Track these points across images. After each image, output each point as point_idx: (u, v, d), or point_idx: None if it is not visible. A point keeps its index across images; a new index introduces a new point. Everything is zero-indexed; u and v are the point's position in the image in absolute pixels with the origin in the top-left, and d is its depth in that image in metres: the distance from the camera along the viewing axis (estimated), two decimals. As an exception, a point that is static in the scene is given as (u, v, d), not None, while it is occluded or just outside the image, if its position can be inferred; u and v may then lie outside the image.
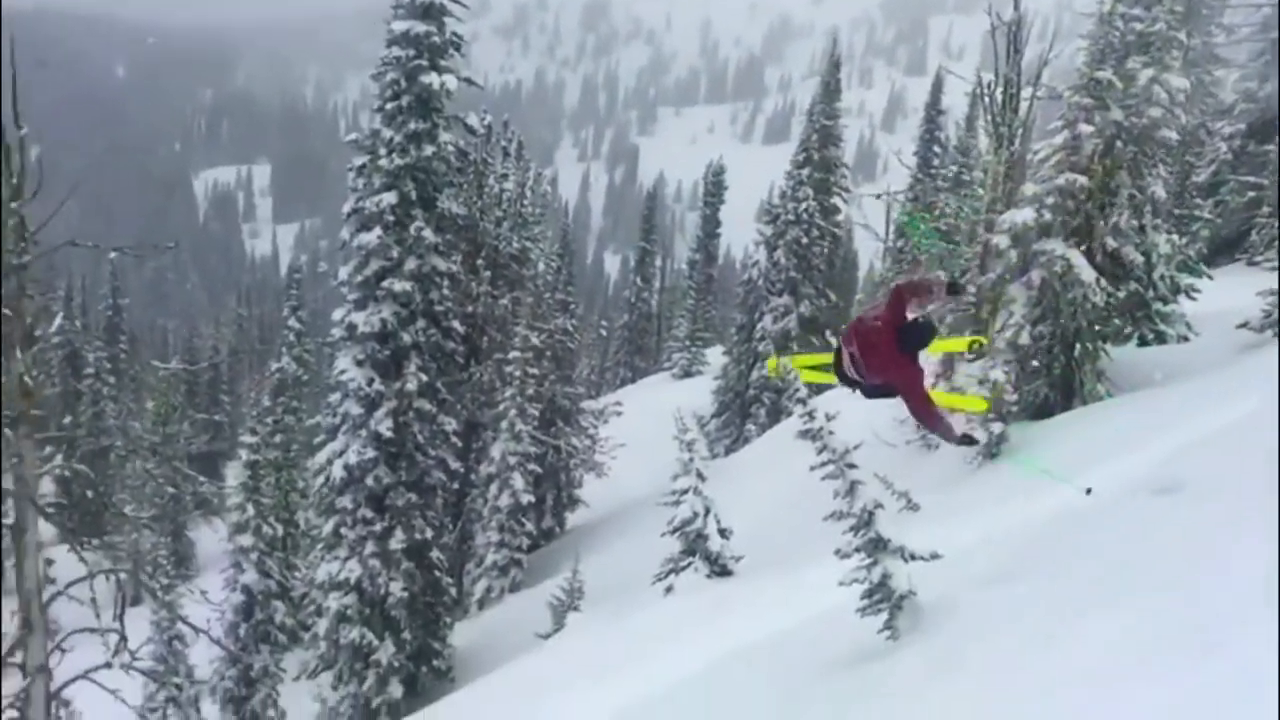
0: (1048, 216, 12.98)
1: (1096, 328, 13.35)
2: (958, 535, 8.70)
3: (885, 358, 6.42)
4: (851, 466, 6.88)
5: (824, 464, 6.95)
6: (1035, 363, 13.46)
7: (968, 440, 7.00)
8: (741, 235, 63.65)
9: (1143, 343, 14.62)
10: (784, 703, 6.74)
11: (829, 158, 31.56)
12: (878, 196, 25.61)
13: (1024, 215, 13.05)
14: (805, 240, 30.07)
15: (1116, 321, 14.03)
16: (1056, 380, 13.74)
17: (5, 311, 14.24)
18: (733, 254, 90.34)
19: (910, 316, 6.35)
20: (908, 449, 15.23)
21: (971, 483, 12.85)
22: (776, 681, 7.23)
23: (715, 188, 48.16)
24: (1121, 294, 13.57)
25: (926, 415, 6.73)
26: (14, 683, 16.63)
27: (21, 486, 15.28)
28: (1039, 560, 7.22)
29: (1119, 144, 13.26)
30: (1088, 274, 12.74)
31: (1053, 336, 13.48)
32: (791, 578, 10.70)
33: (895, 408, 15.53)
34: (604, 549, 22.87)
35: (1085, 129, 12.96)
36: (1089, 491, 7.31)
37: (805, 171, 30.99)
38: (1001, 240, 13.30)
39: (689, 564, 13.48)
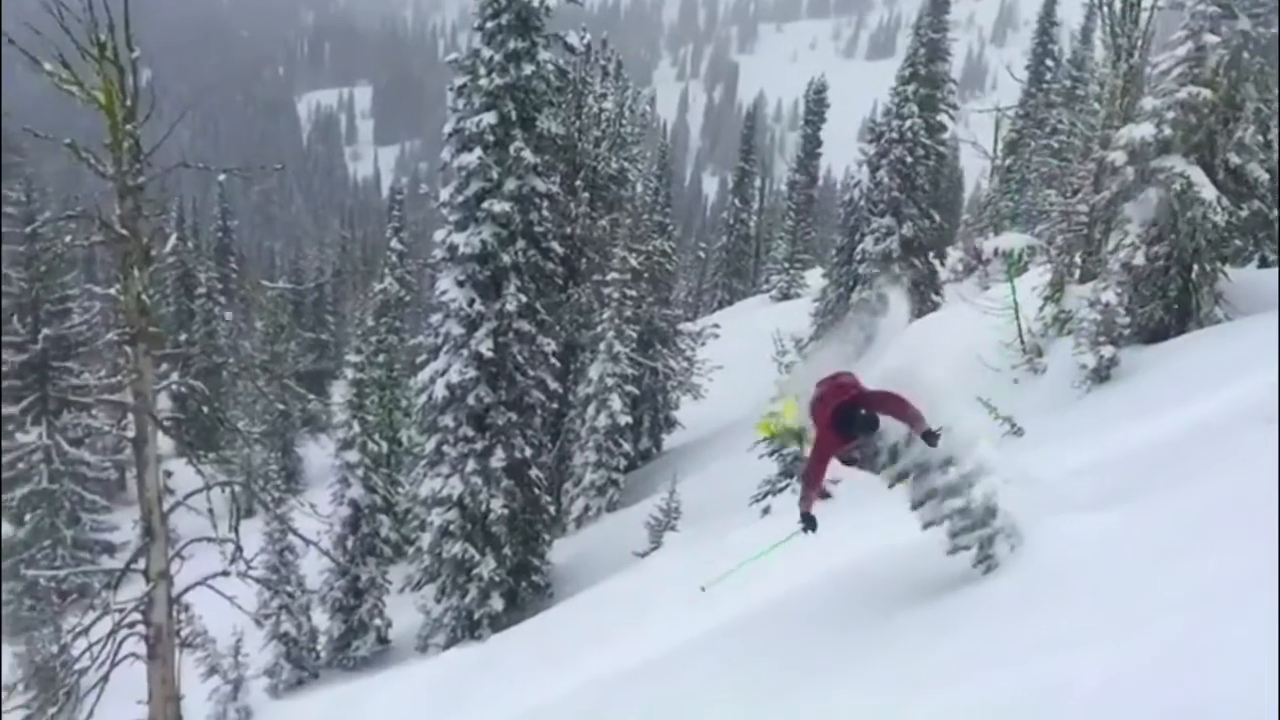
0: (1167, 132, 12.43)
1: (1216, 248, 12.81)
2: (1063, 460, 8.50)
3: (823, 413, 6.55)
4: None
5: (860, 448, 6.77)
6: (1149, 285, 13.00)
7: (807, 519, 6.80)
8: (843, 155, 62.40)
9: (1264, 264, 14.00)
10: (880, 625, 6.70)
11: (936, 73, 30.57)
12: (987, 112, 24.81)
13: (1142, 131, 12.51)
14: (909, 159, 29.31)
15: (1237, 242, 13.45)
16: (1172, 303, 13.26)
17: (123, 231, 14.66)
18: (833, 175, 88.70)
19: (873, 414, 6.36)
20: (1013, 373, 14.89)
21: (1078, 408, 12.54)
22: (872, 604, 7.18)
23: (817, 106, 47.17)
24: (1243, 213, 12.96)
25: (806, 475, 6.88)
26: (138, 587, 17.47)
27: (141, 401, 15.87)
28: (1147, 485, 7.01)
29: (1246, 55, 12.57)
30: (1208, 192, 12.19)
31: (1169, 257, 12.98)
32: (889, 500, 10.61)
33: (1001, 331, 15.23)
34: (700, 470, 23.00)
35: (1210, 39, 12.31)
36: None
37: (911, 88, 30.10)
38: (1118, 157, 12.79)
39: (786, 485, 13.48)
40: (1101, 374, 12.52)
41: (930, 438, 6.25)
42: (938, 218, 30.50)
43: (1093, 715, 4.02)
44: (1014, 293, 15.19)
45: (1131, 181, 12.91)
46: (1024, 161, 30.63)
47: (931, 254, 30.30)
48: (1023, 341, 15.13)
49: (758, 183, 57.32)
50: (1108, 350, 12.38)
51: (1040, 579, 6.00)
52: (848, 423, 6.33)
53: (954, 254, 34.28)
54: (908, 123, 29.35)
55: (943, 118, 30.80)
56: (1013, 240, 16.73)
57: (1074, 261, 15.97)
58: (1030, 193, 27.95)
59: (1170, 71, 12.75)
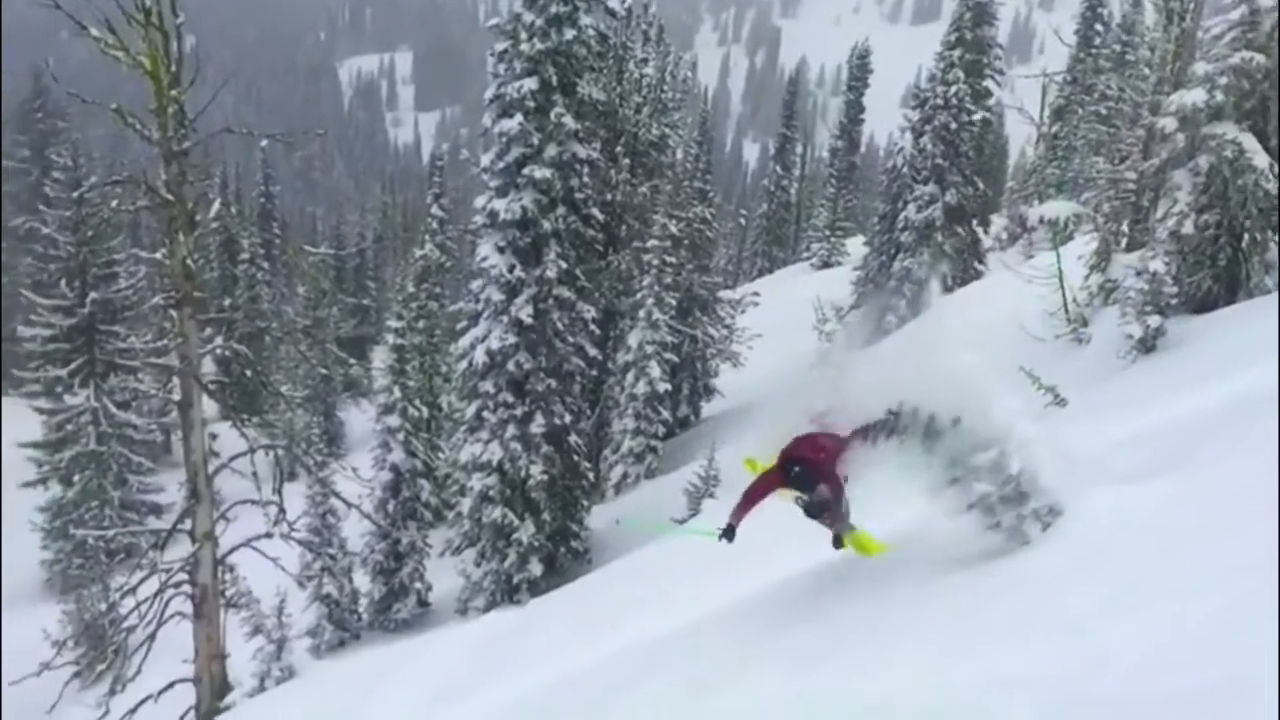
0: (1219, 97, 12.15)
1: (1267, 217, 12.56)
2: (1107, 431, 8.39)
3: (785, 453, 7.07)
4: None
5: (889, 432, 6.71)
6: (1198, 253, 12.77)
7: (728, 531, 7.18)
8: (886, 121, 61.76)
9: (1317, 233, 13.72)
10: (918, 593, 6.67)
11: (982, 37, 30.09)
12: (1034, 78, 24.42)
13: (1193, 96, 12.25)
14: (954, 125, 28.92)
15: (1290, 211, 13.17)
16: (1221, 272, 13.02)
17: (168, 196, 14.81)
18: (876, 141, 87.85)
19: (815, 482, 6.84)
20: (1056, 343, 14.72)
21: (1124, 378, 12.37)
22: (909, 573, 7.16)
23: (860, 71, 46.66)
24: (1297, 181, 12.70)
25: (746, 492, 7.20)
26: (184, 548, 17.79)
27: (186, 365, 16.09)
28: (1193, 458, 6.91)
29: (1303, 18, 12.27)
30: (1261, 159, 11.93)
31: (1219, 226, 12.73)
32: (931, 465, 10.53)
33: (1045, 300, 15.06)
34: (740, 438, 22.94)
35: (1264, 2, 12.01)
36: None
37: (956, 53, 29.65)
38: (1168, 123, 12.54)
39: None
40: (1148, 344, 12.35)
41: (837, 541, 7.02)
42: (982, 185, 30.14)
43: (1135, 686, 3.99)
44: (1059, 261, 15.00)
45: (1181, 148, 12.67)
46: (1071, 128, 30.17)
47: (975, 222, 29.95)
48: (1067, 311, 14.95)
49: (799, 149, 56.92)
50: (1154, 320, 12.19)
51: (1082, 550, 5.95)
52: (793, 474, 6.85)
53: (998, 222, 33.89)
54: (953, 88, 28.96)
55: (988, 83, 30.35)
56: (1058, 208, 16.47)
57: (1121, 230, 15.74)
58: (1077, 160, 27.56)
59: (1223, 36, 12.45)
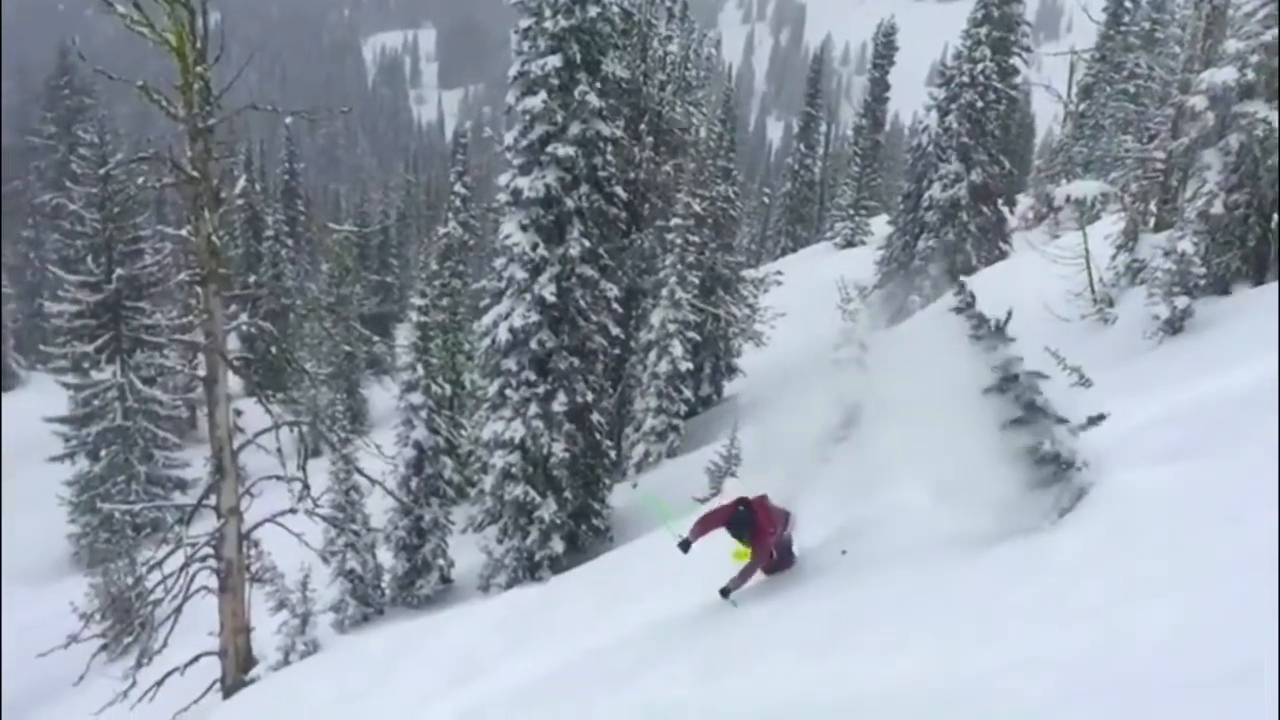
0: (1251, 75, 12.00)
1: (1299, 198, 12.41)
2: (1133, 412, 8.34)
3: (740, 499, 8.30)
4: (1008, 339, 6.61)
5: (978, 337, 6.70)
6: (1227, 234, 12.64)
7: (684, 544, 8.37)
8: (911, 100, 61.28)
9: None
10: (943, 575, 6.67)
11: (1009, 15, 29.80)
12: (1062, 55, 24.17)
13: (1224, 74, 12.09)
14: (980, 104, 28.68)
15: (1322, 191, 13.01)
16: (1250, 253, 12.87)
17: (194, 173, 14.87)
18: (901, 120, 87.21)
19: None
20: (1082, 324, 14.62)
21: (1150, 359, 12.28)
22: (935, 552, 7.15)
23: (885, 49, 46.27)
24: (1329, 161, 12.53)
25: (703, 517, 8.48)
26: (209, 523, 17.97)
27: (212, 341, 16.20)
28: (1219, 440, 6.86)
29: (1338, -4, 12.08)
30: (1293, 139, 11.79)
31: (1248, 206, 12.58)
32: (951, 446, 10.48)
33: (1071, 280, 14.95)
34: (761, 418, 22.95)
35: (1301, -21, 11.84)
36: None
37: (983, 30, 29.38)
38: (1198, 102, 12.39)
39: (848, 435, 13.38)
40: (1175, 325, 12.24)
41: (725, 592, 8.05)
42: (1008, 164, 29.92)
43: (1155, 669, 3.98)
44: (1085, 241, 14.88)
45: (1211, 127, 12.52)
46: (1099, 106, 29.87)
47: (1000, 201, 29.76)
48: (1093, 291, 14.84)
49: (823, 128, 56.58)
50: (1182, 301, 12.08)
51: (1108, 532, 5.93)
52: (738, 511, 8.05)
53: (1024, 201, 33.67)
54: (979, 66, 28.71)
55: (1015, 61, 30.08)
56: (1085, 187, 16.32)
57: (1149, 210, 15.60)
58: (1105, 139, 27.26)
59: (1255, 13, 12.28)
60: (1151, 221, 15.34)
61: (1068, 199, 16.40)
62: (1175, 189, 14.79)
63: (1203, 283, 12.44)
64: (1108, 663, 4.18)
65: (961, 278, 7.20)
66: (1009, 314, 6.61)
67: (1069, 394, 10.23)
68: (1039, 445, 6.44)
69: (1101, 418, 7.09)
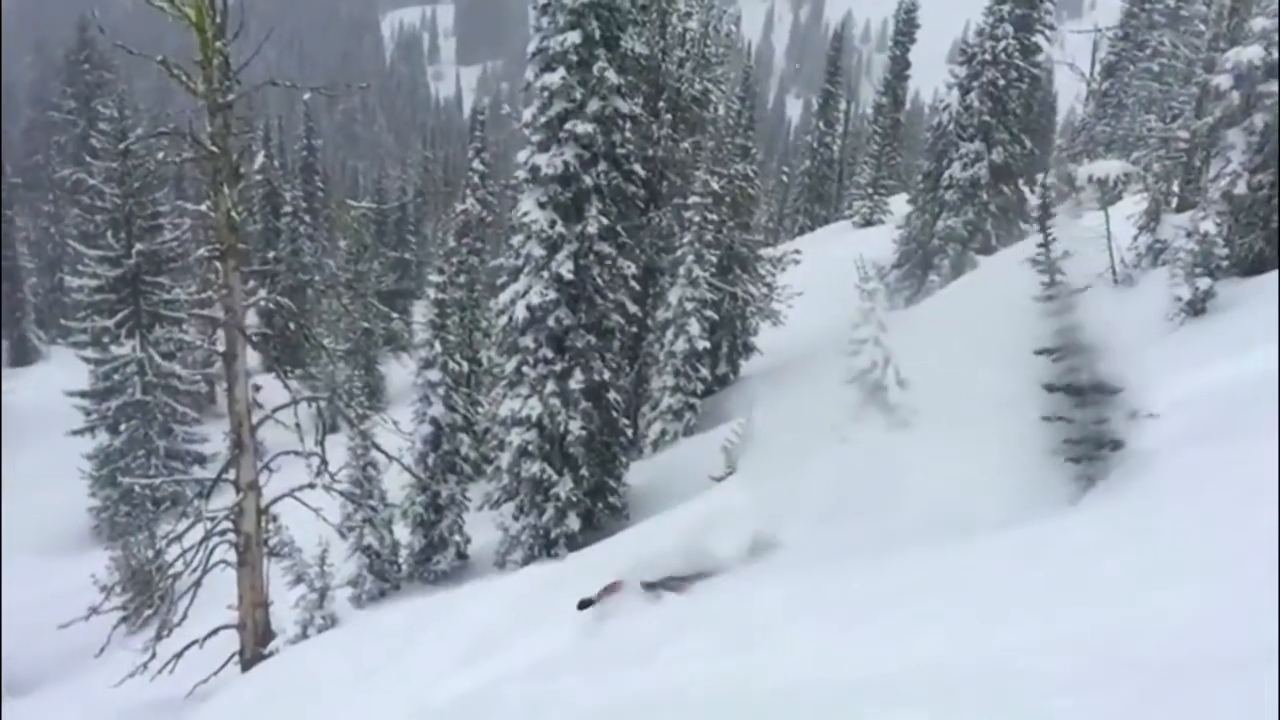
0: (1277, 54, 11.87)
1: (1325, 178, 12.29)
2: (1153, 396, 8.30)
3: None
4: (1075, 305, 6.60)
5: (1048, 297, 6.68)
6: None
7: (584, 601, 9.11)
8: (932, 78, 60.81)
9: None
10: (964, 558, 6.65)
11: (1032, -8, 29.50)
12: (1086, 33, 23.92)
13: (1250, 53, 11.97)
14: (1002, 82, 28.43)
15: (1347, 171, 12.87)
16: (1273, 234, 12.78)
17: (213, 149, 14.88)
18: (922, 98, 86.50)
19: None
20: (1102, 304, 14.51)
21: (1169, 343, 12.21)
22: (955, 536, 7.14)
23: (906, 27, 45.91)
24: (1355, 141, 12.39)
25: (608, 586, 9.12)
26: (228, 497, 18.09)
27: (231, 316, 16.26)
28: (1240, 422, 6.83)
29: (1367, -28, 11.93)
30: (1320, 119, 11.67)
31: (1272, 186, 12.48)
32: (971, 431, 10.45)
33: (1094, 262, 14.82)
34: (779, 397, 22.93)
35: (1330, -44, 11.69)
36: None
37: (1006, 7, 29.07)
38: (1223, 81, 12.27)
39: (866, 414, 13.33)
40: (1197, 307, 12.17)
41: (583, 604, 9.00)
42: (1029, 143, 29.68)
43: (1175, 650, 3.96)
44: (1107, 221, 14.77)
45: (1236, 106, 12.39)
46: (1122, 85, 29.60)
47: (1022, 181, 29.53)
48: (1115, 272, 14.74)
49: (843, 106, 56.24)
50: (1204, 282, 12.01)
51: (1124, 515, 5.91)
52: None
53: (1045, 181, 33.37)
54: (1001, 44, 28.44)
55: (1038, 39, 29.77)
56: (1108, 167, 16.18)
57: (1171, 190, 15.48)
58: (1128, 117, 27.03)
59: (1284, -10, 12.15)
60: (1174, 202, 15.22)
61: (1090, 179, 16.27)
62: (1198, 169, 14.68)
63: (1225, 264, 12.35)
64: (1127, 644, 4.17)
65: (1051, 223, 7.15)
66: (1087, 285, 6.59)
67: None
68: (1076, 422, 6.43)
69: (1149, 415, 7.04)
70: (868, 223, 45.57)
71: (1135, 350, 11.87)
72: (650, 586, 8.94)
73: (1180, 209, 14.83)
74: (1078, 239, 14.86)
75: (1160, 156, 15.28)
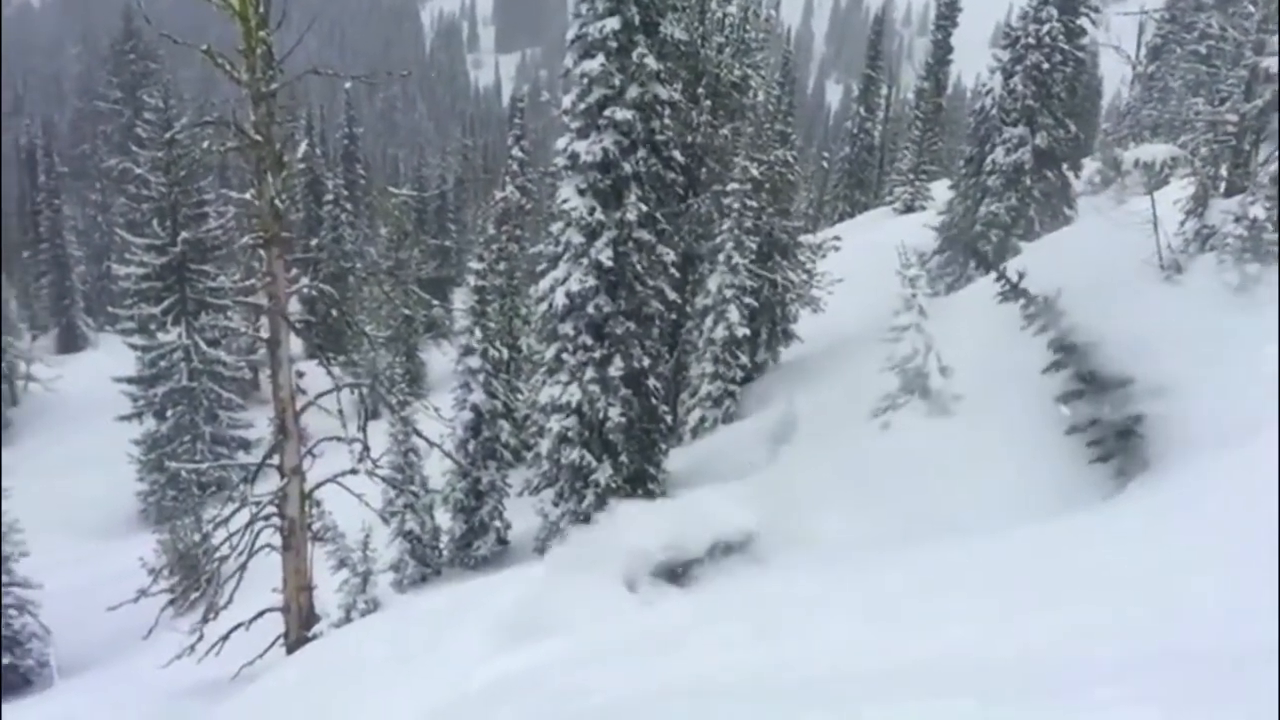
0: (1330, 37, 11.66)
1: (1377, 162, 12.05)
2: (1201, 383, 8.21)
3: None
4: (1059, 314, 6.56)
5: (1028, 317, 6.67)
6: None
7: None
8: (974, 62, 60.21)
9: None
10: (1002, 547, 6.63)
11: (1077, -26, 29.05)
12: (1131, 15, 23.53)
13: (1302, 36, 11.75)
14: (1046, 65, 28.03)
15: (1401, 154, 12.61)
16: (1324, 220, 12.56)
17: (257, 137, 15.01)
18: (964, 83, 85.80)
19: None
20: (1149, 291, 14.32)
21: (1216, 331, 12.03)
22: (993, 526, 7.11)
23: (949, 10, 45.42)
24: None
25: None
26: (272, 482, 18.30)
27: (274, 303, 16.43)
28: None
29: None
30: (1372, 102, 11.44)
31: (1324, 171, 12.25)
32: (1010, 418, 10.39)
33: (1138, 247, 14.64)
34: (818, 384, 22.84)
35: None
36: None
37: (1050, -10, 28.68)
38: (1272, 63, 12.06)
39: (906, 401, 13.28)
40: (1245, 293, 11.98)
41: None
42: (1074, 127, 29.26)
43: (1213, 639, 3.94)
44: (1153, 206, 14.56)
45: (1287, 88, 12.18)
46: (1169, 68, 29.12)
47: (1066, 165, 29.14)
48: (1161, 258, 14.54)
49: (884, 91, 55.79)
50: (1253, 268, 11.81)
51: (1164, 505, 5.87)
52: None
53: (1090, 165, 32.93)
54: (1046, 27, 28.06)
55: (1083, 21, 29.34)
56: (1154, 151, 15.94)
57: (1220, 174, 15.22)
58: (1174, 101, 26.58)
59: (1336, -29, 11.92)
60: (1222, 186, 14.97)
61: (1136, 163, 16.05)
62: (1247, 153, 14.42)
63: (1275, 249, 12.15)
64: (1166, 632, 4.15)
65: (1002, 265, 7.14)
66: (1058, 291, 6.55)
67: (1135, 361, 10.07)
68: (1099, 415, 6.39)
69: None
70: (908, 209, 45.23)
71: (1181, 338, 11.75)
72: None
73: (1228, 193, 14.57)
74: (1123, 224, 14.71)
75: (1208, 140, 15.02)
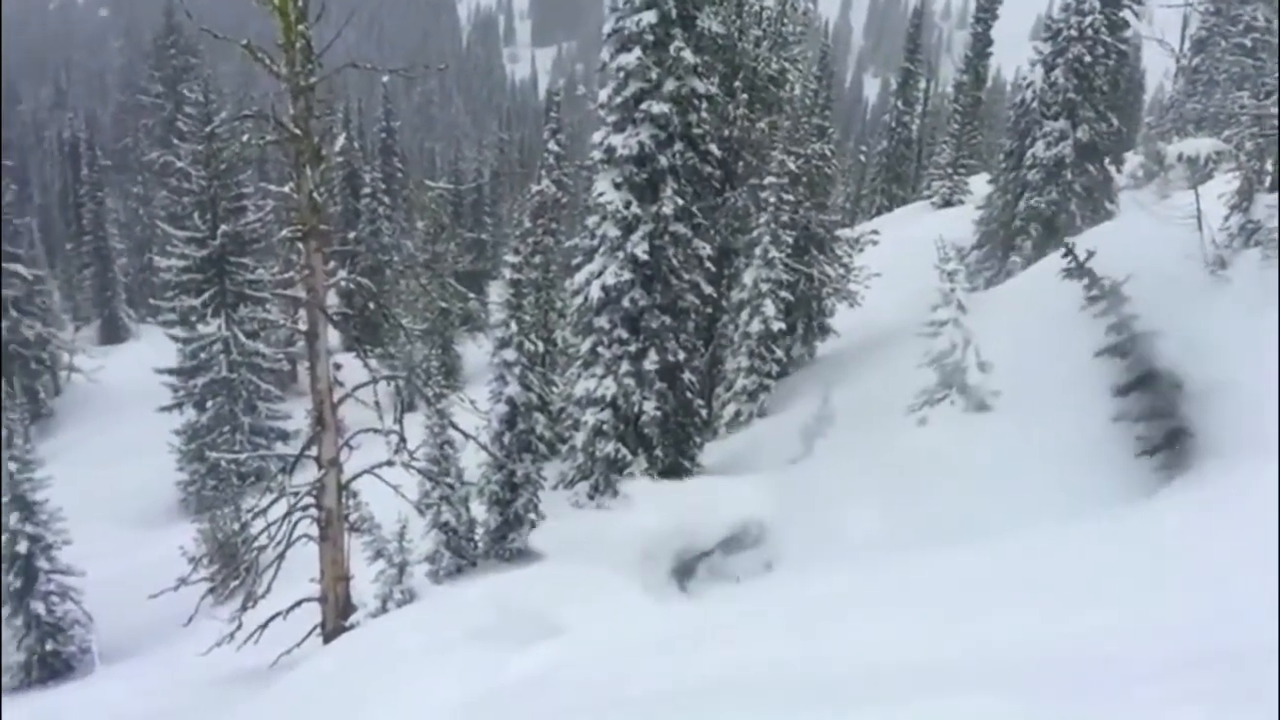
0: (1380, 29, 11.44)
1: None
2: (1247, 380, 8.10)
3: None
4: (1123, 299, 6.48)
5: (1092, 299, 6.58)
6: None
7: None
8: (1014, 55, 59.61)
9: None
10: (1049, 543, 6.57)
11: (1120, -34, 28.70)
12: (1175, 7, 23.20)
13: (1352, 27, 11.53)
14: (1088, 58, 27.70)
15: None
16: (1372, 215, 12.35)
17: (296, 131, 15.12)
18: (1003, 76, 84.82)
19: None
20: (1194, 287, 14.14)
21: (1261, 327, 11.85)
22: (1041, 522, 7.05)
23: (989, 3, 44.99)
24: None
25: None
26: (310, 473, 18.46)
27: (313, 296, 16.56)
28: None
29: None
30: None
31: (1373, 165, 12.04)
32: (1049, 415, 10.30)
33: (1182, 242, 14.47)
34: (855, 379, 22.72)
35: None
36: None
37: (1092, -19, 28.34)
38: (1322, 57, 11.84)
39: (945, 396, 13.19)
40: (1291, 293, 11.79)
41: None
42: (1116, 121, 28.91)
43: (1258, 637, 3.88)
44: (1197, 201, 14.37)
45: (1336, 81, 11.96)
46: (1213, 60, 28.67)
47: (1108, 160, 28.80)
48: (1205, 254, 14.35)
49: (922, 84, 55.38)
50: (1296, 265, 11.64)
51: (1212, 504, 5.79)
52: None
53: (1132, 159, 32.55)
54: (1088, 19, 27.73)
55: (1126, 13, 28.98)
56: (1198, 145, 15.72)
57: (1265, 168, 14.98)
58: (1219, 94, 26.19)
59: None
60: (1267, 181, 14.73)
61: (1179, 157, 15.84)
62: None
63: (1322, 244, 11.97)
64: (1215, 631, 4.09)
65: (1068, 240, 7.10)
66: (1126, 275, 6.49)
67: (1187, 360, 9.94)
68: (1153, 409, 6.33)
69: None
70: (947, 203, 44.92)
71: (1228, 339, 11.58)
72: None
73: (1274, 188, 14.36)
74: (1166, 219, 14.53)
75: (1253, 134, 14.77)
